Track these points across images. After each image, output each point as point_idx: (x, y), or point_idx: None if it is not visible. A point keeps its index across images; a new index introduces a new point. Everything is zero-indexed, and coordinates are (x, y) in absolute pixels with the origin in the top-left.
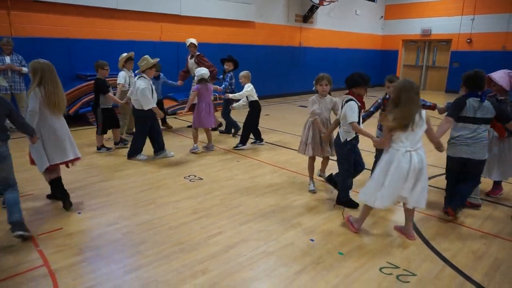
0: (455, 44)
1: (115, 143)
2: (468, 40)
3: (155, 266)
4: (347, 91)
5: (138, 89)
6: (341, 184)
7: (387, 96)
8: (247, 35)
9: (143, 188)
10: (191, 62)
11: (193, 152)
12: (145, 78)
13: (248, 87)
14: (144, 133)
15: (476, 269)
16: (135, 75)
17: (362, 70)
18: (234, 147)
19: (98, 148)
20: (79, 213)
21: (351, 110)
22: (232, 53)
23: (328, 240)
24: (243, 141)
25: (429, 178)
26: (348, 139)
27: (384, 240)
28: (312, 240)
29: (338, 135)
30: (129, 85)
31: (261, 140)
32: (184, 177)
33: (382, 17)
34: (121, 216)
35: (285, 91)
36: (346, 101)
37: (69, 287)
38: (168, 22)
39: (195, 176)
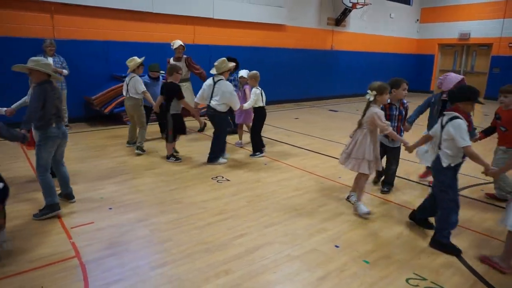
0: (496, 48)
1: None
2: (510, 44)
3: (180, 264)
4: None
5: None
6: (443, 221)
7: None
8: (278, 38)
9: (172, 187)
10: (178, 64)
11: (240, 147)
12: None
13: (257, 91)
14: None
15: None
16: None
17: (396, 75)
18: (250, 155)
19: (168, 157)
20: (110, 208)
21: (462, 131)
22: (263, 56)
23: (354, 248)
24: (257, 149)
25: (463, 188)
26: (452, 165)
27: (412, 250)
28: (337, 246)
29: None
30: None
31: (261, 151)
32: (212, 178)
33: (417, 20)
34: (149, 213)
35: (315, 94)
36: (451, 119)
37: (98, 280)
38: (201, 25)
39: (223, 177)
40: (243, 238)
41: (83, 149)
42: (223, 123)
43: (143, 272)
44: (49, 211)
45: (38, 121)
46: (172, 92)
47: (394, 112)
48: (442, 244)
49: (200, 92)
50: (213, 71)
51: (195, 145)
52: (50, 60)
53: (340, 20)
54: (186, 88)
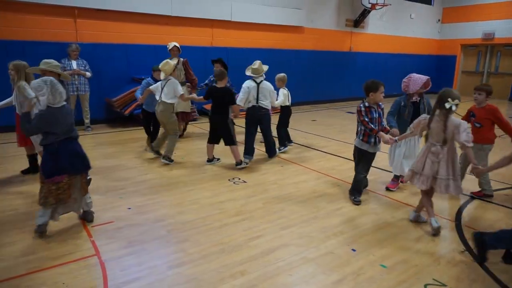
0: None
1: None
2: None
3: (197, 264)
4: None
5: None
6: None
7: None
8: (296, 40)
9: (189, 188)
10: (178, 66)
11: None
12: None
13: (284, 91)
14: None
15: None
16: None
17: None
18: (279, 149)
19: (238, 164)
20: (129, 208)
21: None
22: (281, 58)
23: (371, 252)
24: (282, 143)
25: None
26: None
27: (432, 256)
28: (353, 250)
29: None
30: None
31: (285, 145)
32: (229, 180)
33: (439, 20)
34: (167, 214)
35: (333, 97)
36: None
37: (117, 278)
38: (219, 27)
39: (240, 179)
40: (259, 239)
41: (103, 150)
42: (270, 120)
43: (160, 272)
44: None
45: None
46: (228, 96)
47: (375, 115)
48: None
49: (244, 96)
50: (248, 72)
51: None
52: (73, 63)
53: (358, 21)
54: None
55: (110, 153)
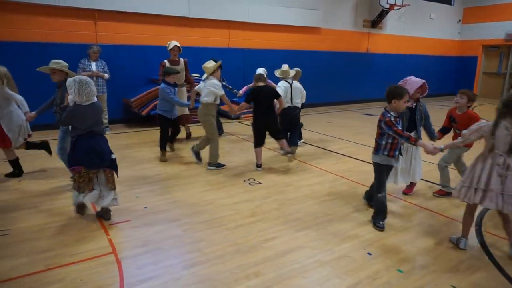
0: None
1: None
2: None
3: (211, 264)
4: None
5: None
6: None
7: None
8: (312, 41)
9: (204, 189)
10: (176, 67)
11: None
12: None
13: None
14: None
15: None
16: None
17: (435, 78)
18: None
19: (289, 153)
20: (145, 207)
21: None
22: (297, 59)
23: (387, 256)
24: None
25: None
26: None
27: (450, 261)
28: (369, 254)
29: None
30: None
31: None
32: (244, 180)
33: (460, 21)
34: (182, 213)
35: (350, 98)
36: None
37: (133, 276)
38: (236, 29)
39: (255, 180)
40: (274, 241)
41: (121, 150)
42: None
43: (175, 271)
44: None
45: None
46: (274, 92)
47: (399, 126)
48: None
49: (284, 93)
50: (278, 73)
51: (226, 147)
52: (93, 64)
53: (376, 22)
54: (182, 92)
55: (127, 152)
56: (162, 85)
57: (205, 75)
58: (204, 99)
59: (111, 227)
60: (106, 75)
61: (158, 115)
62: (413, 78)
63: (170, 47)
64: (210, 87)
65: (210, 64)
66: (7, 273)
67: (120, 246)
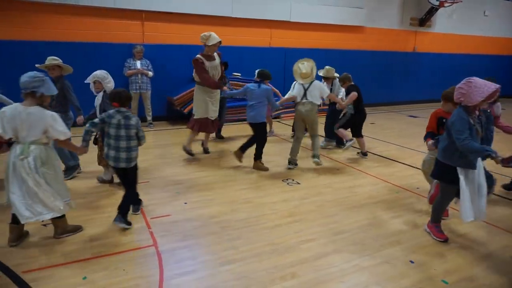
0: None
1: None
2: None
3: (248, 262)
4: None
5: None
6: None
7: None
8: (355, 40)
9: (243, 187)
10: (215, 64)
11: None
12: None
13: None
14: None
15: None
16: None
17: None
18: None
19: (347, 141)
20: (185, 203)
21: None
22: (339, 59)
23: (431, 265)
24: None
25: None
26: None
27: (503, 275)
28: (411, 261)
29: None
30: None
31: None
32: (283, 180)
33: None
34: (220, 211)
35: (394, 99)
36: None
37: (172, 269)
38: (277, 28)
39: (293, 180)
40: (311, 243)
41: (164, 146)
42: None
43: (212, 267)
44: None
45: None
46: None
47: None
48: None
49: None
50: (322, 73)
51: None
52: (138, 63)
53: (425, 20)
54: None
55: (169, 149)
56: (264, 86)
57: (305, 80)
58: (312, 99)
59: (152, 220)
60: (150, 73)
61: (260, 123)
62: (479, 80)
63: (214, 42)
64: (317, 89)
65: (312, 62)
66: (58, 258)
67: (160, 239)
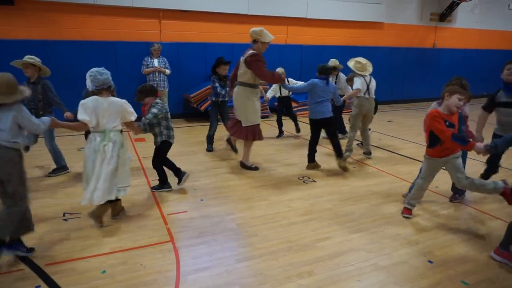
0: None
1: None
2: None
3: (264, 259)
4: None
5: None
6: None
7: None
8: (374, 37)
9: (259, 184)
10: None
11: None
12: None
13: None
14: None
15: None
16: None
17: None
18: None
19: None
20: (201, 200)
21: None
22: (356, 56)
23: (450, 265)
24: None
25: None
26: None
27: None
28: (430, 262)
29: None
30: None
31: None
32: (298, 178)
33: None
34: (237, 208)
35: (413, 96)
36: None
37: (188, 265)
38: (294, 25)
39: (309, 178)
40: (328, 241)
41: (180, 143)
42: None
43: (229, 263)
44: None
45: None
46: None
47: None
48: None
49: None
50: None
51: (281, 144)
52: (155, 61)
53: (445, 15)
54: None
55: (186, 146)
56: (331, 82)
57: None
58: (373, 95)
59: (169, 216)
60: (168, 71)
61: (331, 118)
62: None
63: (269, 39)
64: (374, 83)
65: (364, 60)
66: (79, 252)
67: (177, 235)
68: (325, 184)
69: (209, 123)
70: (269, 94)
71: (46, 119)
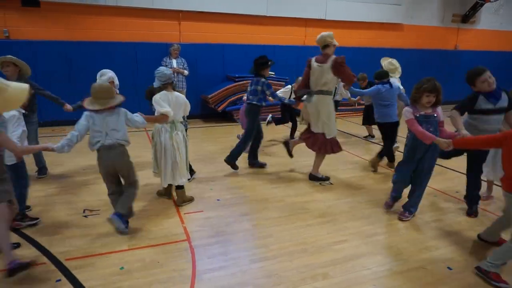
0: None
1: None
2: None
3: (279, 261)
4: None
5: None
6: None
7: None
8: (393, 38)
9: (275, 185)
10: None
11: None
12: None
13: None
14: None
15: None
16: None
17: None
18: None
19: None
20: (218, 200)
21: None
22: (375, 57)
23: (471, 273)
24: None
25: None
26: None
27: None
28: (449, 268)
29: None
30: None
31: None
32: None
33: None
34: (252, 208)
35: None
36: None
37: (204, 264)
38: (313, 26)
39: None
40: (343, 244)
41: (198, 143)
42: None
43: (243, 264)
44: None
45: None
46: None
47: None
48: None
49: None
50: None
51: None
52: (174, 62)
53: (468, 16)
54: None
55: (203, 146)
56: (394, 84)
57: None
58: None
59: (186, 216)
60: (186, 72)
61: (396, 122)
62: None
63: (335, 42)
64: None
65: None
66: (98, 248)
67: (193, 234)
68: (342, 187)
69: (226, 124)
70: (284, 94)
71: (139, 116)
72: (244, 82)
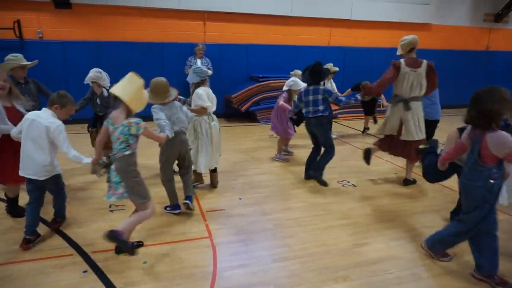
0: None
1: None
2: None
3: (300, 261)
4: None
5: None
6: None
7: None
8: (421, 38)
9: (296, 186)
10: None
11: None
12: None
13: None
14: None
15: None
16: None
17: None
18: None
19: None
20: (240, 199)
21: None
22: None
23: None
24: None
25: None
26: None
27: None
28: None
29: None
30: None
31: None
32: (338, 181)
33: None
34: (274, 208)
35: (462, 101)
36: None
37: (225, 261)
38: (337, 26)
39: (349, 182)
40: (365, 247)
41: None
42: None
43: (264, 263)
44: None
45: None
46: None
47: None
48: None
49: None
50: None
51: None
52: (198, 61)
53: (501, 15)
54: None
55: (226, 146)
56: None
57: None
58: None
59: (208, 214)
60: (210, 72)
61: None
62: None
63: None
64: None
65: None
66: None
67: (215, 232)
68: (364, 189)
69: (249, 124)
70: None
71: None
72: (268, 82)
